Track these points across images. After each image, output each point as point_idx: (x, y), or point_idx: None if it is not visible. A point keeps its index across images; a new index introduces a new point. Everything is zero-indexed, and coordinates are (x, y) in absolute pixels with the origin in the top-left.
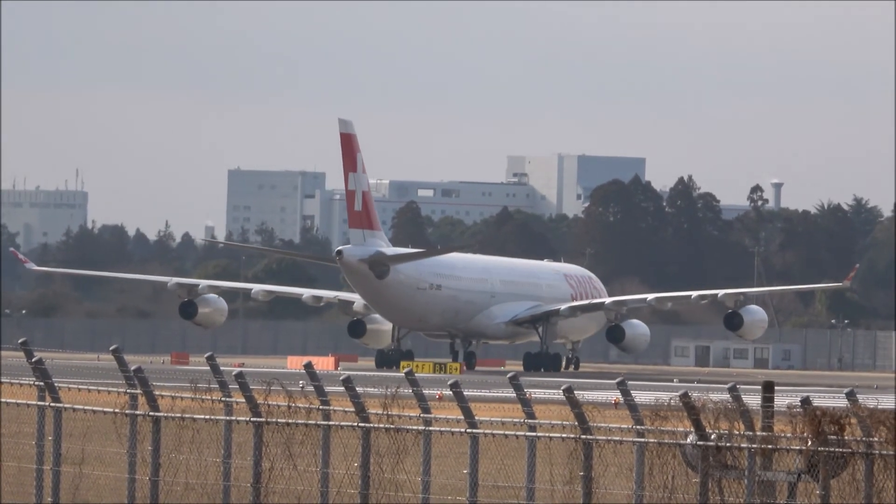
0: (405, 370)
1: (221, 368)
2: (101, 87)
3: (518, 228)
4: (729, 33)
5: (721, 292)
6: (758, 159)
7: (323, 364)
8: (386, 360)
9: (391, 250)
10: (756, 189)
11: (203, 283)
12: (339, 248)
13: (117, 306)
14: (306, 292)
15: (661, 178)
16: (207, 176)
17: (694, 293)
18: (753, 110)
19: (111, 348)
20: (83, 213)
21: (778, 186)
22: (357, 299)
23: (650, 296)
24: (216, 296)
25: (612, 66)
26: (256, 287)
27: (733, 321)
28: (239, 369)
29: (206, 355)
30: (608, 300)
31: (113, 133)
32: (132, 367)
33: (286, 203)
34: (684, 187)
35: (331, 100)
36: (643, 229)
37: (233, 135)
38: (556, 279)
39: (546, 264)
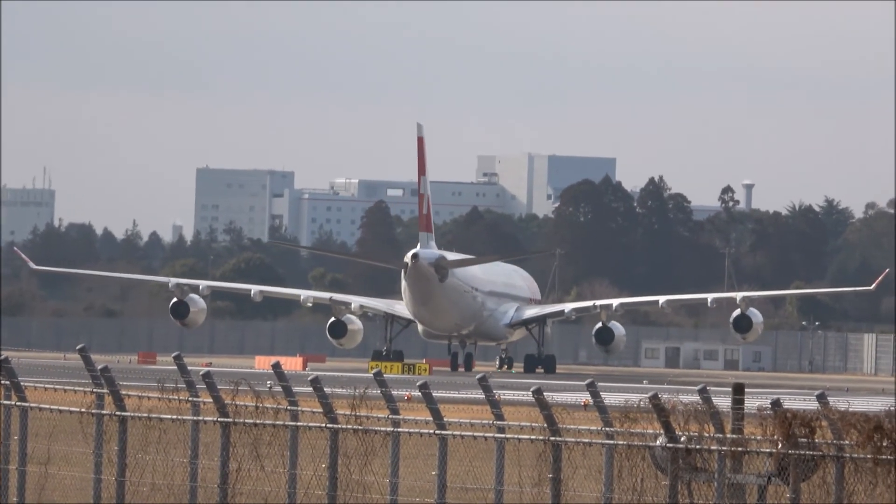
0: (373, 371)
1: (189, 368)
2: (68, 84)
3: (488, 228)
4: (701, 33)
5: (739, 295)
6: (729, 160)
7: (291, 364)
8: (382, 360)
9: (449, 254)
10: (727, 190)
11: (203, 283)
12: (416, 251)
13: (84, 305)
14: (304, 293)
15: (631, 179)
16: (175, 174)
17: (710, 296)
18: (725, 110)
19: (78, 347)
20: (50, 211)
21: (749, 187)
22: (355, 301)
23: (662, 298)
24: (197, 296)
25: (582, 65)
26: (255, 288)
27: (742, 323)
28: (206, 369)
29: (173, 355)
30: (615, 302)
31: (81, 131)
32: (99, 367)
33: (255, 202)
34: (655, 188)
35: (298, 97)
36: (613, 230)
37: (201, 132)
38: (521, 281)
39: (506, 266)
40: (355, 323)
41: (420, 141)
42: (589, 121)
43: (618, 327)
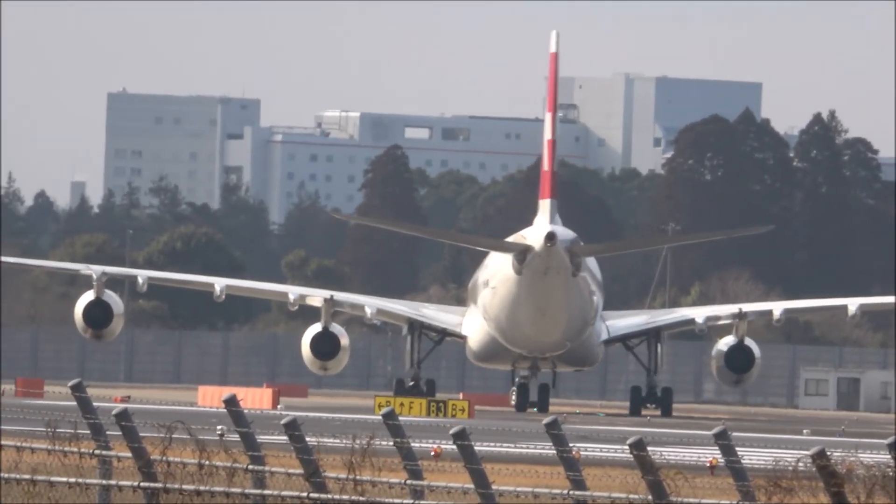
0: (383, 411)
1: (95, 404)
2: None
3: (562, 189)
4: None
5: None
6: None
7: (254, 399)
8: (406, 395)
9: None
10: None
11: (143, 273)
12: (551, 229)
13: None
14: (294, 291)
15: (785, 115)
16: (75, 102)
17: None
18: None
19: None
20: None
21: None
22: (369, 303)
23: (853, 302)
24: (114, 293)
25: None
26: (220, 281)
27: None
28: (123, 406)
29: (71, 383)
30: (778, 307)
31: None
32: None
33: (198, 146)
34: (823, 129)
35: None
36: (757, 193)
37: (116, 38)
38: None
39: None
40: (345, 336)
41: (553, 59)
42: (718, 26)
43: (755, 347)
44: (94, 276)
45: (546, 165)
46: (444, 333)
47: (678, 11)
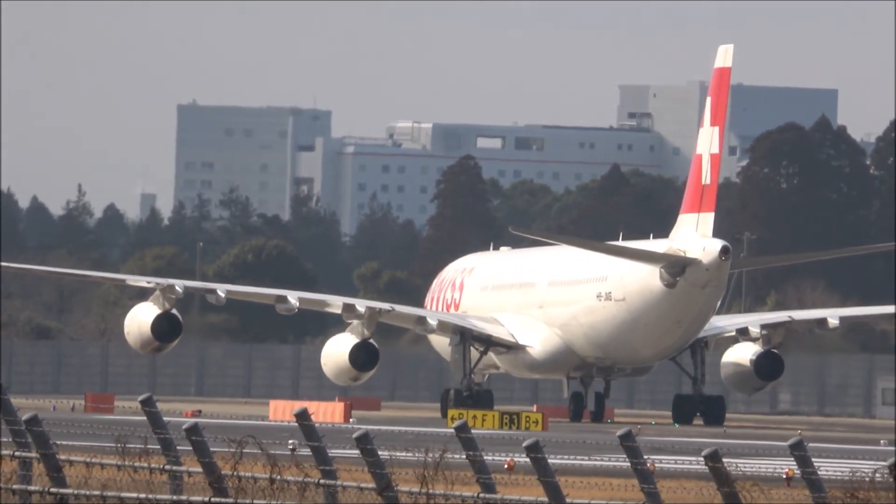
0: (456, 423)
1: (166, 419)
2: None
3: (637, 199)
4: None
5: None
6: None
7: (326, 413)
8: (464, 403)
9: None
10: None
11: (222, 287)
12: (725, 244)
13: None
14: (364, 304)
15: (862, 121)
16: (145, 115)
17: None
18: None
19: None
20: None
21: None
22: (430, 316)
23: None
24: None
25: None
26: (294, 295)
27: None
28: (193, 420)
29: (141, 398)
30: (833, 315)
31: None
32: (24, 417)
33: (269, 158)
34: None
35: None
36: (834, 202)
37: (186, 51)
38: None
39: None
40: (376, 346)
41: (722, 75)
42: (792, 32)
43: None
44: (176, 289)
45: (709, 179)
46: (488, 345)
47: (752, 18)
